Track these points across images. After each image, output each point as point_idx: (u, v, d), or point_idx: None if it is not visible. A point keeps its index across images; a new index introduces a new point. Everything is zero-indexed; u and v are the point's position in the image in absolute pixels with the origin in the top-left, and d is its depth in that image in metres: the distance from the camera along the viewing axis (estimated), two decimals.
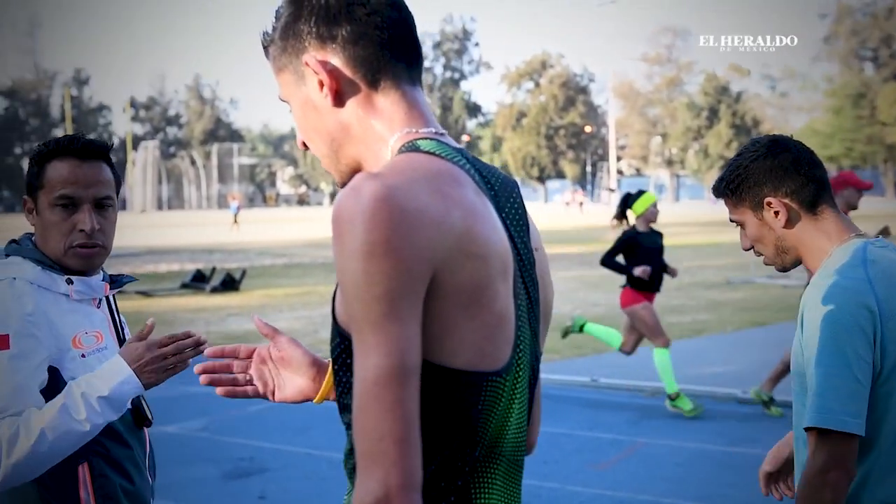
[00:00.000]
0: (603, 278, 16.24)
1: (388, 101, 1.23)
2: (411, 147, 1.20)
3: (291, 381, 1.53)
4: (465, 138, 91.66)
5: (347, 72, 1.23)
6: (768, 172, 1.87)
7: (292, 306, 13.70)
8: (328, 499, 5.17)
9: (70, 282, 1.97)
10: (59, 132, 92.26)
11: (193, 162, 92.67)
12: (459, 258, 1.11)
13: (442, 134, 1.25)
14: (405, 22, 1.25)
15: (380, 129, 1.24)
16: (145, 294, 15.54)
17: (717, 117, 75.95)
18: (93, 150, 1.97)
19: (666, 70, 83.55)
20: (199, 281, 16.01)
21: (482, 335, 1.14)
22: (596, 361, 8.78)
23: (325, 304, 13.85)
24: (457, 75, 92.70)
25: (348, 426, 1.20)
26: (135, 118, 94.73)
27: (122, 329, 2.14)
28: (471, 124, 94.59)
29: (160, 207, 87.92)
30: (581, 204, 56.02)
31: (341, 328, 1.16)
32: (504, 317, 1.16)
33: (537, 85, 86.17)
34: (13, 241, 2.03)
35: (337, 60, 1.23)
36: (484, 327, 1.14)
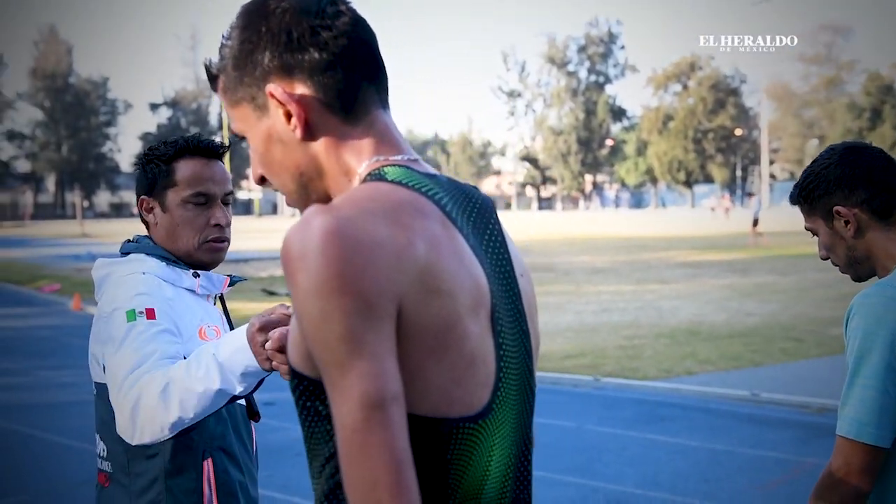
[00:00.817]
0: (758, 287, 15.55)
1: (359, 130, 1.15)
2: (376, 176, 1.12)
3: None
4: (608, 143, 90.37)
5: (317, 101, 1.13)
6: (839, 181, 1.82)
7: None
8: None
9: (197, 275, 2.00)
10: (216, 139, 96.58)
11: None
12: (422, 295, 1.01)
13: (414, 160, 1.17)
14: (370, 42, 1.17)
15: (350, 159, 1.15)
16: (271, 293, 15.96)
17: (881, 118, 71.85)
18: (217, 150, 2.04)
19: (825, 70, 79.70)
20: None
21: (450, 379, 1.04)
22: (754, 374, 8.35)
23: None
24: (601, 79, 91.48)
25: (313, 476, 1.13)
26: None
27: (232, 327, 2.13)
28: (615, 128, 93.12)
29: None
30: (727, 210, 54.14)
31: (295, 369, 1.08)
32: (476, 357, 1.06)
33: (685, 87, 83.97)
34: (128, 241, 2.06)
35: (304, 89, 1.13)
36: (452, 370, 1.04)
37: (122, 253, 2.02)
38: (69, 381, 8.32)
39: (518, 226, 48.89)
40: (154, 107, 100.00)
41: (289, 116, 1.13)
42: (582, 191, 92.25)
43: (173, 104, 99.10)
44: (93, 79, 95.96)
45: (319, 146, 1.15)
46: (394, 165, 1.13)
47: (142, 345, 1.74)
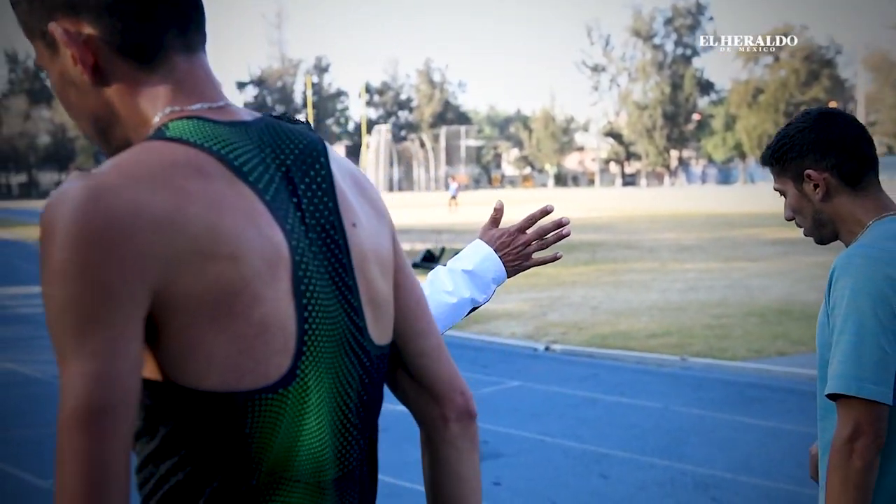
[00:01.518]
0: None
1: (156, 77, 1.04)
2: (157, 133, 1.01)
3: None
4: (695, 117, 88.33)
5: (105, 44, 1.03)
6: (812, 145, 1.86)
7: (520, 287, 13.65)
8: (562, 489, 5.02)
9: None
10: (300, 118, 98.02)
11: (423, 144, 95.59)
12: (197, 262, 0.93)
13: (219, 108, 1.06)
14: None
15: (146, 108, 1.05)
16: None
17: None
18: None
19: None
20: (428, 261, 16.38)
21: (237, 349, 0.96)
22: None
23: (551, 286, 13.70)
24: (689, 52, 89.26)
25: None
26: (369, 103, 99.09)
27: None
28: (702, 102, 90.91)
29: (391, 189, 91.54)
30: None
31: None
32: (270, 323, 0.97)
33: (777, 59, 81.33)
34: None
35: (91, 30, 1.02)
36: (238, 339, 0.96)
37: None
38: None
39: (601, 203, 48.25)
40: (241, 85, 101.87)
41: (75, 60, 1.03)
42: (667, 167, 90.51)
43: (259, 82, 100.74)
44: None
45: (113, 92, 1.05)
46: (184, 118, 1.03)
47: None
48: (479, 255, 1.79)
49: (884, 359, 1.66)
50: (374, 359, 1.12)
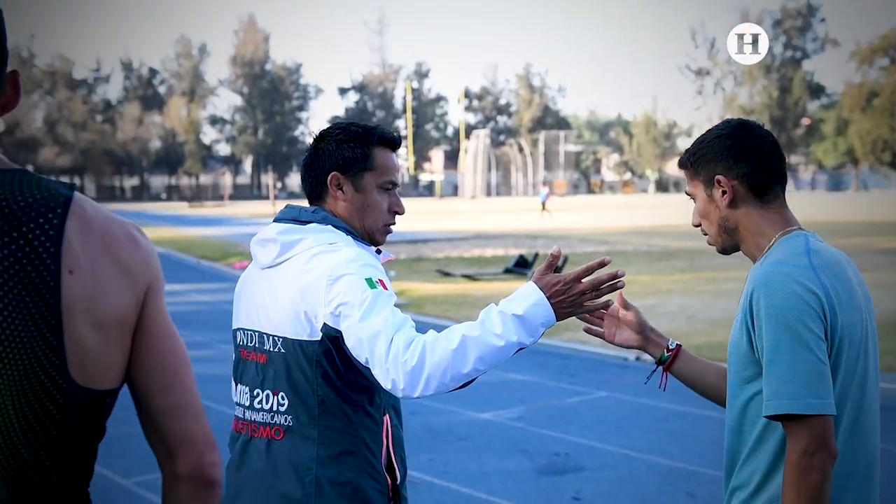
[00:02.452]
0: None
1: None
2: None
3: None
4: (805, 121, 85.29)
5: None
6: (725, 151, 1.90)
7: (613, 295, 13.31)
8: None
9: (378, 252, 2.17)
10: (400, 123, 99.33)
11: (521, 149, 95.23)
12: None
13: None
14: None
15: None
16: (470, 277, 15.98)
17: None
18: (399, 144, 2.22)
19: None
20: (521, 266, 16.17)
21: None
22: None
23: (646, 294, 13.33)
24: (798, 54, 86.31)
25: None
26: (468, 108, 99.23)
27: None
28: (812, 106, 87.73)
29: (489, 194, 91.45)
30: None
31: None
32: None
33: (893, 61, 77.77)
34: (301, 209, 2.14)
35: None
36: None
37: (300, 221, 2.09)
38: None
39: None
40: (343, 91, 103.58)
41: None
42: None
43: (361, 88, 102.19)
44: (287, 65, 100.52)
45: None
46: None
47: (392, 311, 1.87)
48: (530, 300, 1.85)
49: (822, 372, 1.70)
50: (70, 396, 1.19)
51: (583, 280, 1.89)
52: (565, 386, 7.57)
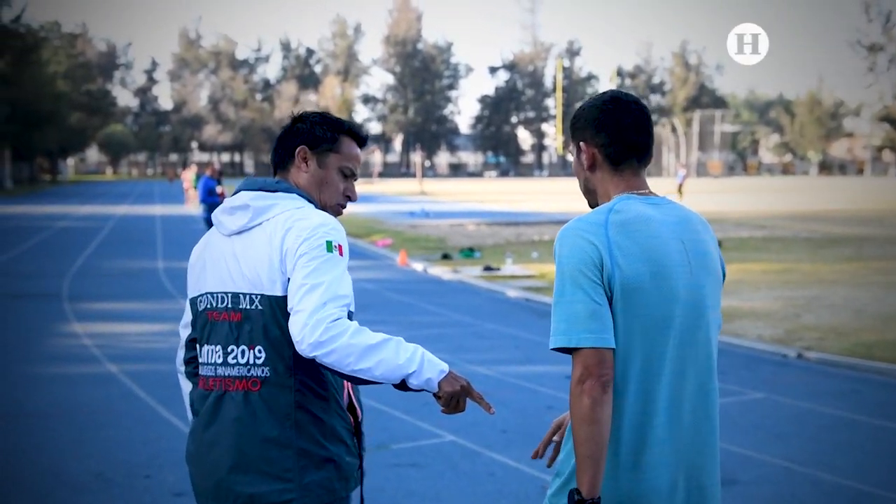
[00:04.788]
0: None
1: None
2: None
3: None
4: None
5: None
6: (592, 121, 2.08)
7: (770, 284, 12.38)
8: None
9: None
10: (549, 102, 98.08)
11: (674, 129, 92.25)
12: None
13: None
14: None
15: None
16: None
17: None
18: (365, 143, 2.43)
19: None
20: None
21: None
22: None
23: (808, 284, 12.31)
24: None
25: None
26: (620, 87, 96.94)
27: None
28: None
29: None
30: None
31: None
32: None
33: None
34: (270, 180, 2.31)
35: None
36: None
37: (266, 190, 2.26)
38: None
39: (870, 194, 44.00)
40: (492, 70, 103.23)
41: None
42: None
43: (511, 67, 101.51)
44: (438, 44, 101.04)
45: None
46: None
47: (340, 276, 2.12)
48: (436, 360, 2.12)
49: (596, 311, 1.90)
50: None
51: (470, 395, 2.12)
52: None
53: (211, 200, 15.37)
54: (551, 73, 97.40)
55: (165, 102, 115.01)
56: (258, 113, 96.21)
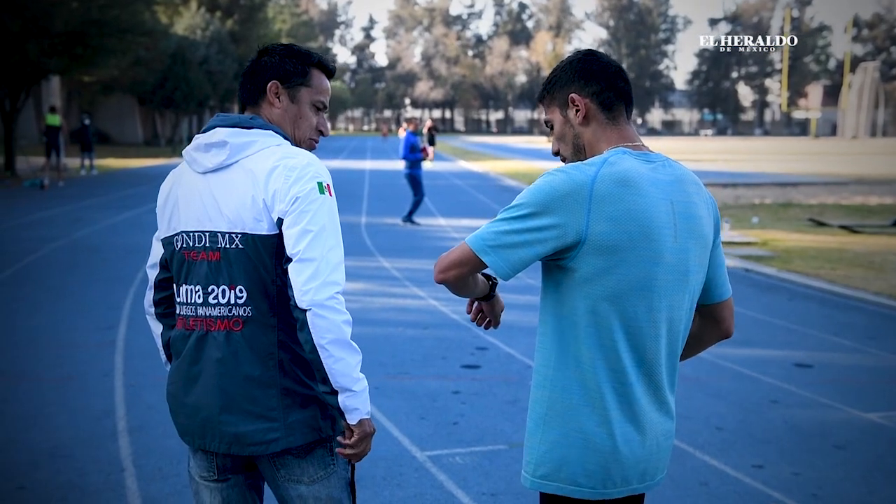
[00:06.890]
0: None
1: None
2: None
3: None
4: None
5: None
6: (577, 73, 2.05)
7: None
8: None
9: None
10: (776, 56, 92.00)
11: None
12: None
13: None
14: None
15: None
16: (849, 229, 13.77)
17: None
18: (333, 73, 2.38)
19: None
20: None
21: None
22: None
23: None
24: None
25: None
26: (856, 38, 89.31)
27: None
28: None
29: (873, 134, 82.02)
30: None
31: None
32: None
33: None
34: (244, 117, 2.22)
35: None
36: None
37: (244, 126, 2.17)
38: None
39: None
40: (713, 22, 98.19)
41: None
42: None
43: (733, 19, 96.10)
44: None
45: None
46: None
47: (338, 233, 2.10)
48: (365, 406, 2.12)
49: (518, 245, 1.89)
50: None
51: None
52: None
53: (413, 157, 15.02)
54: (778, 25, 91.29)
55: (381, 59, 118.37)
56: (469, 69, 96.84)
